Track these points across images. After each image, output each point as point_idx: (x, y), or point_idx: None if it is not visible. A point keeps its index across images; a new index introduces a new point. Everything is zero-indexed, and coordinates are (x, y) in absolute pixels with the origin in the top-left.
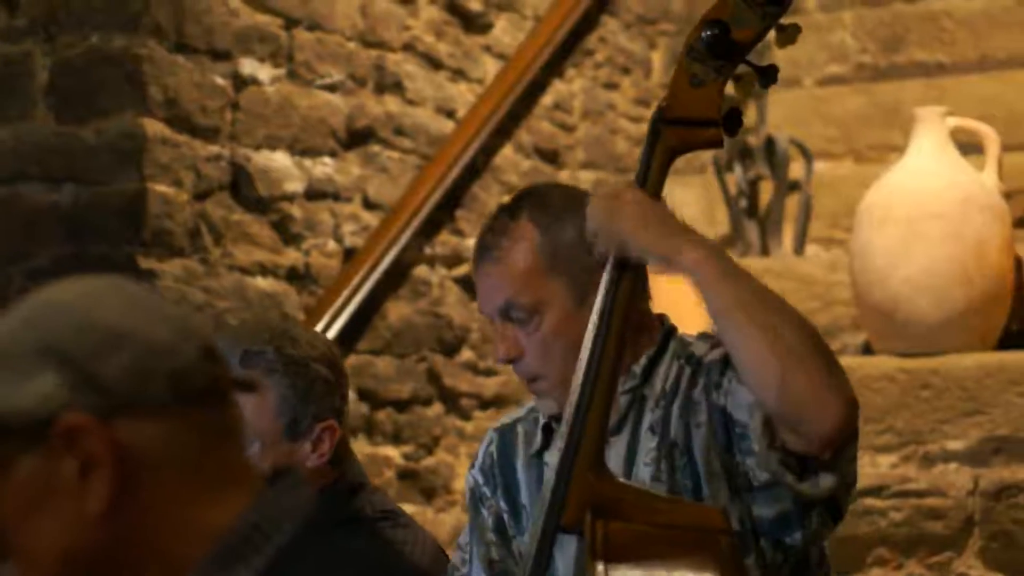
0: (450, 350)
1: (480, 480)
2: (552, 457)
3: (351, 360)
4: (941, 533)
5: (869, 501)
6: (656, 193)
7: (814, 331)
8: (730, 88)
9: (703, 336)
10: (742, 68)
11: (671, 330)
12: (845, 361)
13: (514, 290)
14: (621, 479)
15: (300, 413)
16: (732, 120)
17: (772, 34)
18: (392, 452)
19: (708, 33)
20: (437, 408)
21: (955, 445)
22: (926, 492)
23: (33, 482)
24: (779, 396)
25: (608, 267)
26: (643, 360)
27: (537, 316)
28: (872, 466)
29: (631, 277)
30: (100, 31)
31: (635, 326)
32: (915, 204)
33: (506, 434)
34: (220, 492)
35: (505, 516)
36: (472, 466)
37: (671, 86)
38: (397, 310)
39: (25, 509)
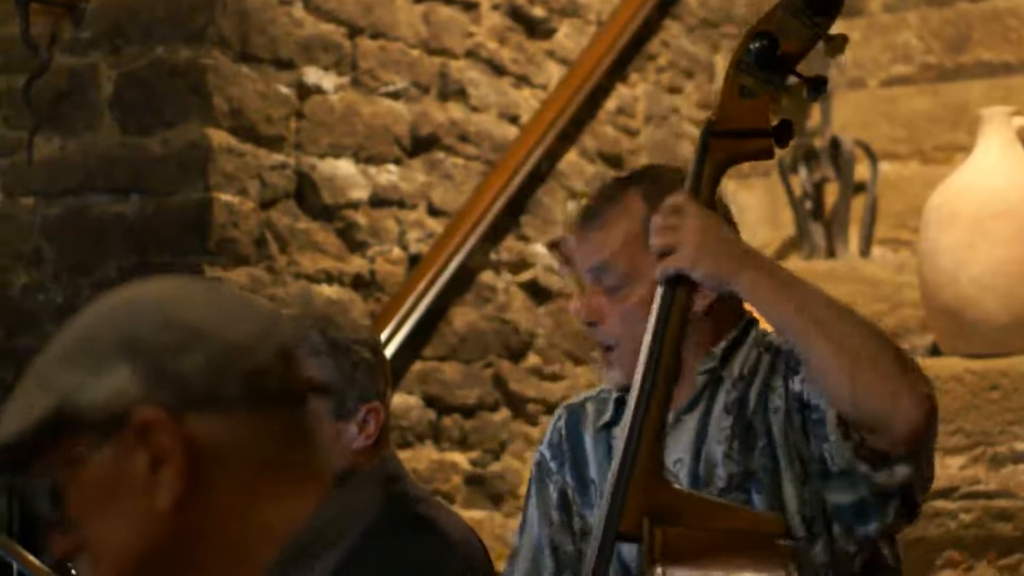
0: (516, 355)
1: (548, 455)
2: (622, 432)
3: (417, 366)
4: (1011, 535)
5: (939, 503)
6: (709, 206)
7: (883, 334)
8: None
9: None
10: (791, 78)
11: (753, 320)
12: None
13: (612, 254)
14: (687, 463)
15: (346, 394)
16: (783, 131)
17: (821, 44)
18: (459, 458)
19: (756, 45)
20: (504, 413)
21: None
22: (995, 493)
23: (105, 476)
24: (854, 401)
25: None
26: (723, 343)
27: (628, 287)
28: (941, 468)
29: (686, 290)
30: (165, 43)
31: (718, 311)
32: (982, 204)
33: (575, 411)
34: (290, 493)
35: (570, 491)
36: (541, 442)
37: (720, 99)
38: (463, 316)
39: (96, 503)
